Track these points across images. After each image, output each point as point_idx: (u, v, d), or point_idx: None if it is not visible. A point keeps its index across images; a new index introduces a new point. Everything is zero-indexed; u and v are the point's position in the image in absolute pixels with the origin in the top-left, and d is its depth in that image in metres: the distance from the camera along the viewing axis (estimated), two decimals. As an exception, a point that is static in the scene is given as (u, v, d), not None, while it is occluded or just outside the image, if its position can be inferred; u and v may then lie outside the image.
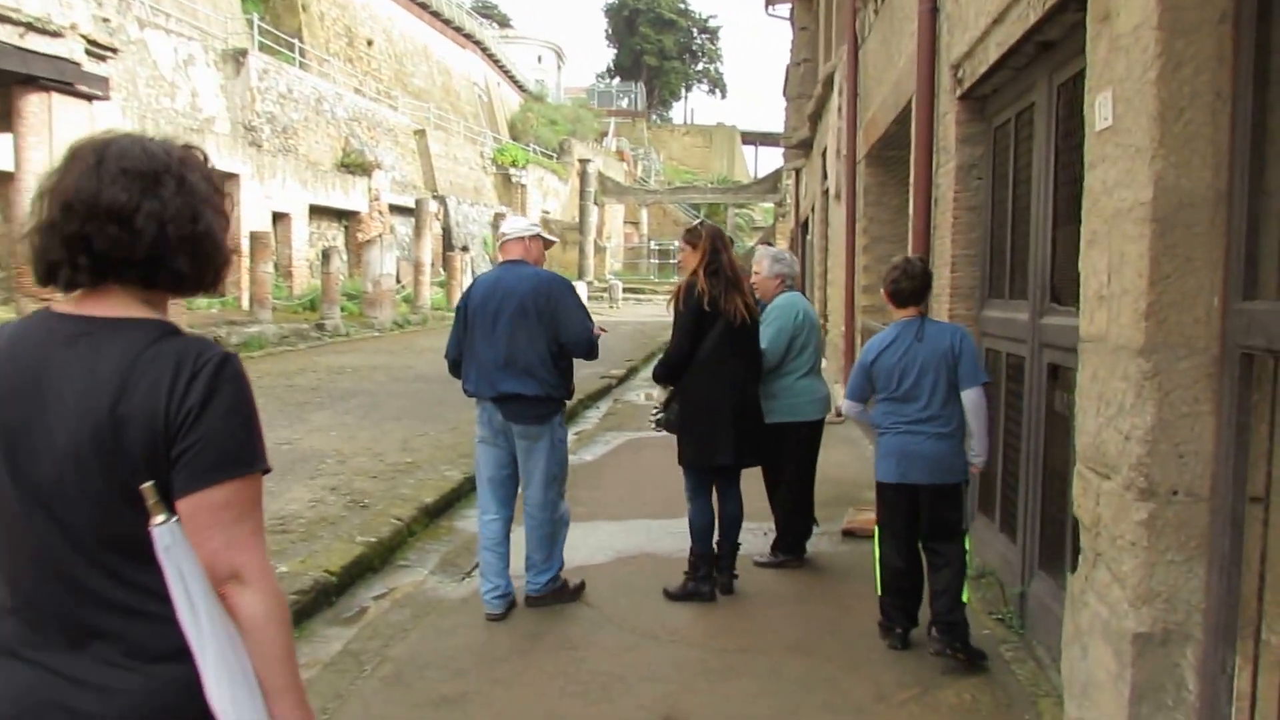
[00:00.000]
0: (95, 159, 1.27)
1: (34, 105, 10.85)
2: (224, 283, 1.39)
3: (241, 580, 1.24)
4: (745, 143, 60.62)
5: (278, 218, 19.86)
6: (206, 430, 1.22)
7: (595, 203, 38.14)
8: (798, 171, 19.15)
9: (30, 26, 10.63)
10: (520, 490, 4.13)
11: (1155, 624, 2.48)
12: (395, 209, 22.75)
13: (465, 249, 24.48)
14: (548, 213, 35.92)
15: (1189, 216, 2.48)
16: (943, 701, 3.21)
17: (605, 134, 48.07)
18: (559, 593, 4.19)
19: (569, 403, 4.27)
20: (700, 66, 64.94)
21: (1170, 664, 2.49)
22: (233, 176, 17.97)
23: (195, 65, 19.13)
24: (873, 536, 4.90)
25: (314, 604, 4.19)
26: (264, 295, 15.78)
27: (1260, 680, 2.25)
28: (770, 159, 59.70)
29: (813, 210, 15.30)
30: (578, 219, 34.97)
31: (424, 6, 33.60)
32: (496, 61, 41.62)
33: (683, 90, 65.18)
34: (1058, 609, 3.49)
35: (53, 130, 10.83)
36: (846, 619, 4.00)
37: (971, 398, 3.61)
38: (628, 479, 6.67)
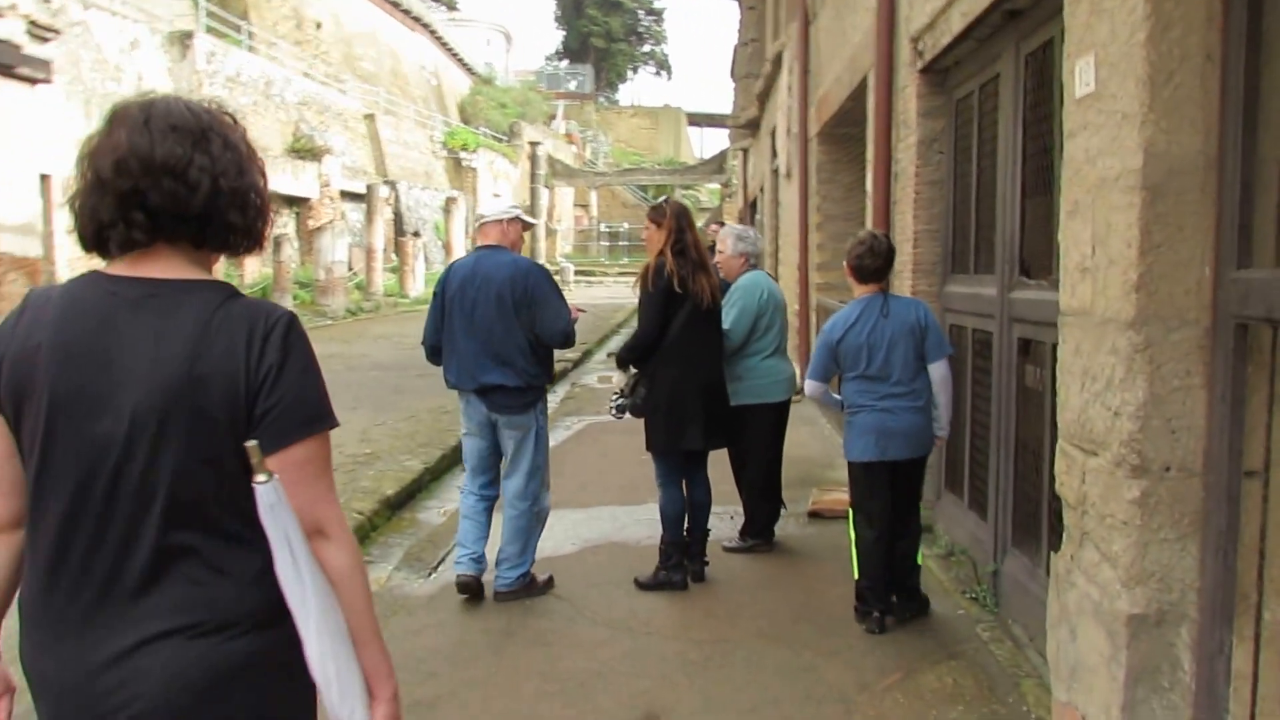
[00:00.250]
0: (143, 117, 1.26)
1: (-28, 88, 10.23)
2: (267, 241, 1.41)
3: (325, 534, 1.27)
4: (691, 124, 60.44)
5: (224, 204, 19.14)
6: (287, 389, 1.25)
7: (545, 186, 37.74)
8: (745, 151, 19.09)
9: (-33, 7, 10.03)
10: (502, 480, 4.05)
11: (1149, 605, 2.42)
12: (346, 195, 22.18)
13: (417, 234, 24.00)
14: (498, 196, 35.41)
15: (1179, 184, 2.40)
16: (925, 686, 3.14)
17: (554, 117, 47.47)
18: (528, 587, 4.07)
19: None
20: (646, 48, 64.46)
21: (1165, 645, 2.43)
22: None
23: (141, 48, 18.41)
24: (840, 517, 4.89)
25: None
26: (210, 285, 15.22)
27: (1261, 658, 2.20)
28: (715, 140, 59.61)
29: (762, 190, 15.25)
30: (528, 202, 34.58)
31: (371, -12, 32.82)
32: (445, 45, 40.78)
33: (629, 72, 64.69)
34: (1034, 587, 3.45)
35: (-7, 114, 10.25)
36: (820, 603, 3.92)
37: (940, 370, 3.65)
38: (590, 465, 6.53)
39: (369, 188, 21.60)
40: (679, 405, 3.94)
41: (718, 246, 4.58)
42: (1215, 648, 2.33)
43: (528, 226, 4.13)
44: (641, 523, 5.08)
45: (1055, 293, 3.33)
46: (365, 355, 12.76)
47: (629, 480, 5.90)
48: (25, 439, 1.25)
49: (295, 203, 21.32)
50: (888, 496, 3.61)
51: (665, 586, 4.07)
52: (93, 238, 1.29)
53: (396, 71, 33.98)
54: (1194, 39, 2.34)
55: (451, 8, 48.90)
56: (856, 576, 3.68)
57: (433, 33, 38.95)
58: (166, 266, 1.27)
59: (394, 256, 23.42)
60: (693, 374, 3.96)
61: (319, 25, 27.88)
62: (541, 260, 34.00)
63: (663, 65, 64.95)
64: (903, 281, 4.81)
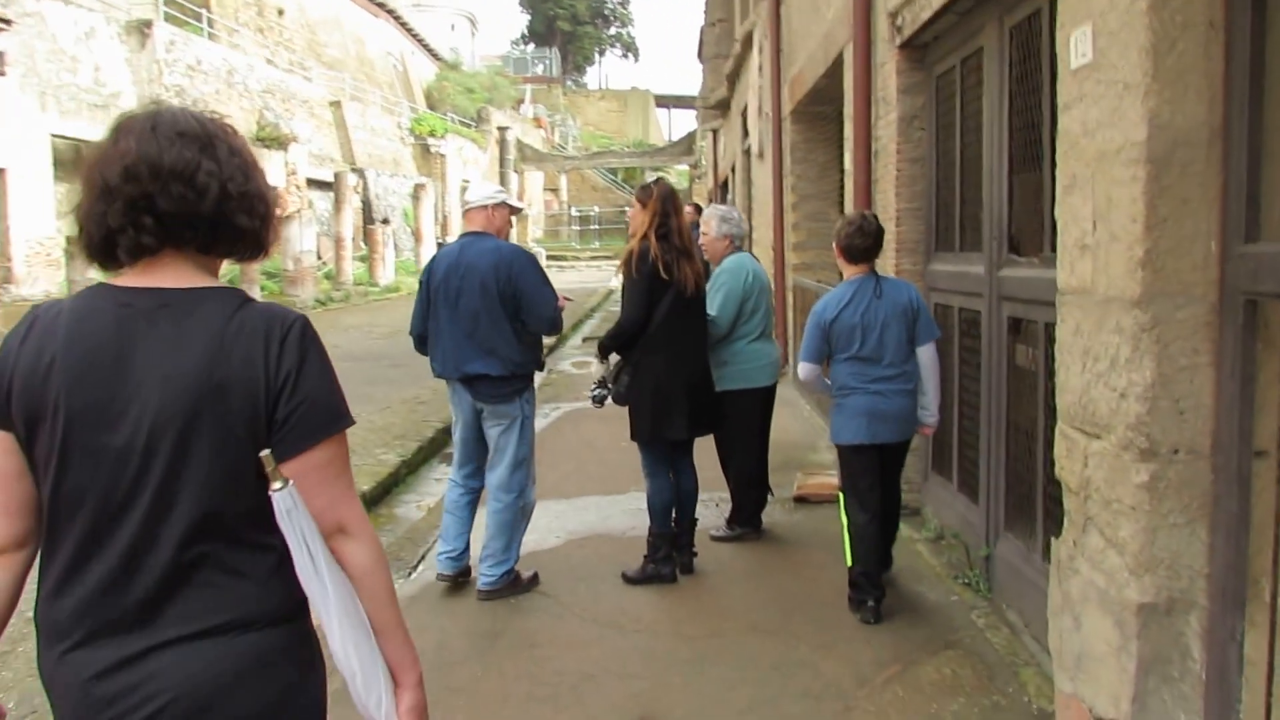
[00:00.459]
0: (150, 125, 1.28)
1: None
2: (273, 247, 1.41)
3: (347, 533, 1.30)
4: (659, 106, 60.15)
5: (188, 196, 18.73)
6: (306, 392, 1.27)
7: (515, 170, 37.38)
8: (715, 132, 18.93)
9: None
10: (486, 472, 3.97)
11: (1159, 593, 2.35)
12: (313, 183, 21.78)
13: (386, 222, 23.62)
14: (467, 182, 35.02)
15: (1184, 155, 2.31)
16: (923, 678, 3.06)
17: (522, 101, 46.98)
18: (513, 585, 3.95)
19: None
20: (613, 31, 63.93)
21: (1175, 634, 2.36)
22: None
23: (98, 38, 17.88)
24: (826, 501, 4.82)
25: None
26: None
27: (1276, 645, 2.13)
28: (684, 122, 59.41)
29: (733, 171, 15.12)
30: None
31: (331, -28, 32.11)
32: (410, 30, 40.15)
33: (596, 55, 64.18)
34: (1029, 571, 3.38)
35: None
36: (812, 592, 3.83)
37: (929, 353, 3.62)
38: (571, 454, 6.41)
39: (337, 176, 21.22)
40: (664, 393, 3.83)
41: (701, 229, 4.44)
42: (1227, 635, 2.26)
43: (515, 211, 4.04)
44: (626, 513, 4.97)
45: (1047, 270, 3.25)
46: (336, 346, 12.52)
47: (611, 469, 5.79)
48: (40, 456, 1.26)
49: (260, 192, 20.95)
50: (878, 478, 3.57)
51: (654, 580, 3.97)
52: (100, 245, 1.29)
53: (362, 58, 33.41)
54: (1196, 5, 2.25)
55: (415, -8, 48.15)
56: (850, 563, 3.60)
57: (397, 18, 38.34)
58: (176, 275, 1.28)
59: (363, 245, 23.08)
60: (677, 361, 3.85)
61: (281, 12, 27.29)
62: (512, 246, 33.63)
63: (629, 48, 64.51)
64: (886, 261, 4.70)
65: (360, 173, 24.75)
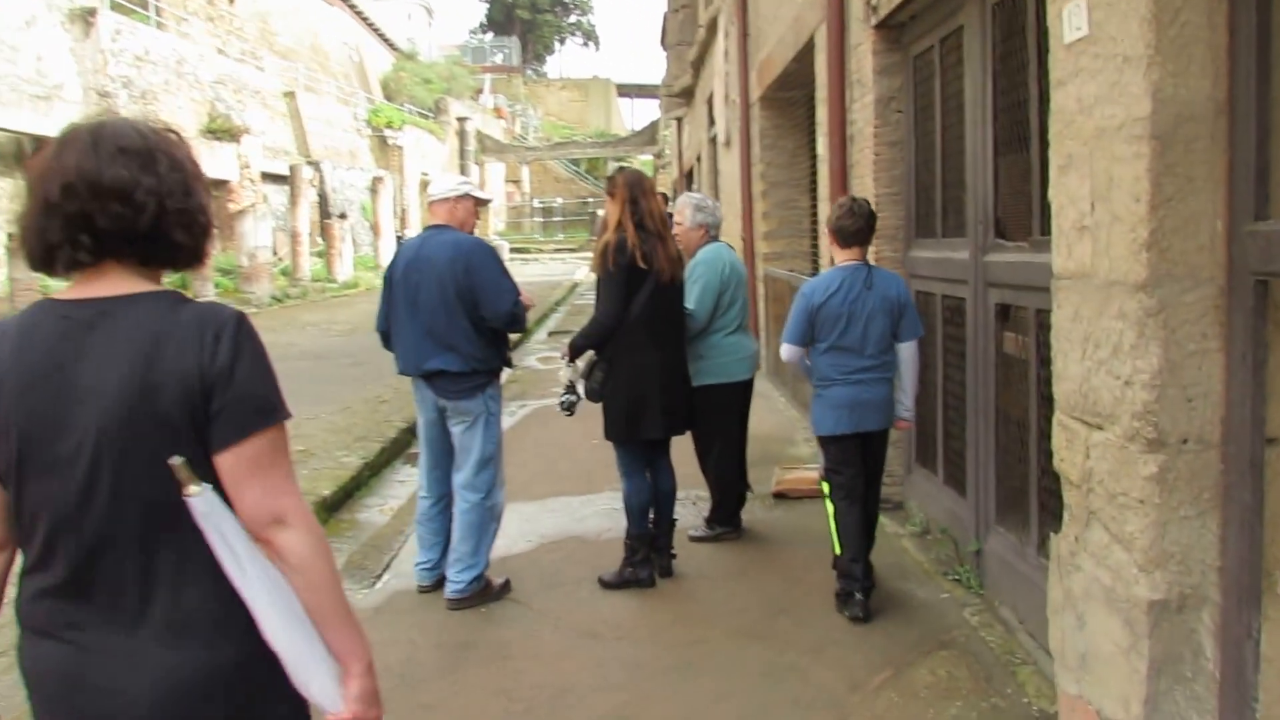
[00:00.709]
0: (91, 140, 1.29)
1: None
2: (211, 257, 1.44)
3: (284, 523, 1.30)
4: (621, 95, 59.80)
5: (134, 191, 18.11)
6: (239, 385, 1.28)
7: (475, 162, 36.90)
8: (679, 121, 18.78)
9: None
10: (453, 473, 3.83)
11: (1170, 589, 2.24)
12: (267, 176, 21.16)
13: (343, 216, 23.13)
14: (427, 175, 34.54)
15: (1189, 131, 2.20)
16: (918, 682, 2.94)
17: (481, 91, 46.34)
18: (483, 592, 3.78)
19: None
20: (573, 19, 63.36)
21: (1187, 631, 2.25)
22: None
23: (39, 26, 17.18)
24: (806, 497, 4.70)
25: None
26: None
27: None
28: (646, 110, 59.15)
29: (699, 159, 14.98)
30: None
31: (279, -41, 31.27)
32: (365, 19, 39.40)
33: (556, 44, 63.57)
34: (1023, 567, 3.28)
35: None
36: (797, 593, 3.70)
37: (911, 350, 3.58)
38: (540, 453, 6.22)
39: (292, 168, 20.71)
40: (640, 390, 3.67)
41: (675, 218, 4.27)
42: (1242, 632, 2.16)
43: (482, 203, 3.91)
44: (600, 513, 4.81)
45: (1038, 254, 3.14)
46: (294, 344, 12.19)
47: (583, 467, 5.61)
48: (1, 468, 1.30)
49: (214, 185, 20.35)
50: (861, 466, 3.54)
51: (632, 584, 3.81)
52: (41, 257, 1.32)
53: (316, 48, 32.71)
54: (1200, -28, 2.13)
55: (369, -20, 47.20)
56: (838, 552, 3.51)
57: (352, 7, 37.59)
58: (115, 284, 1.31)
59: (320, 240, 22.60)
60: (654, 356, 3.69)
61: (232, 0, 26.59)
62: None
63: (590, 36, 63.98)
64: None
65: (316, 165, 24.18)
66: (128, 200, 1.27)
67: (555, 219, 43.21)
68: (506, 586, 3.87)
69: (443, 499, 3.90)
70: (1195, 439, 2.23)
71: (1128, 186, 2.27)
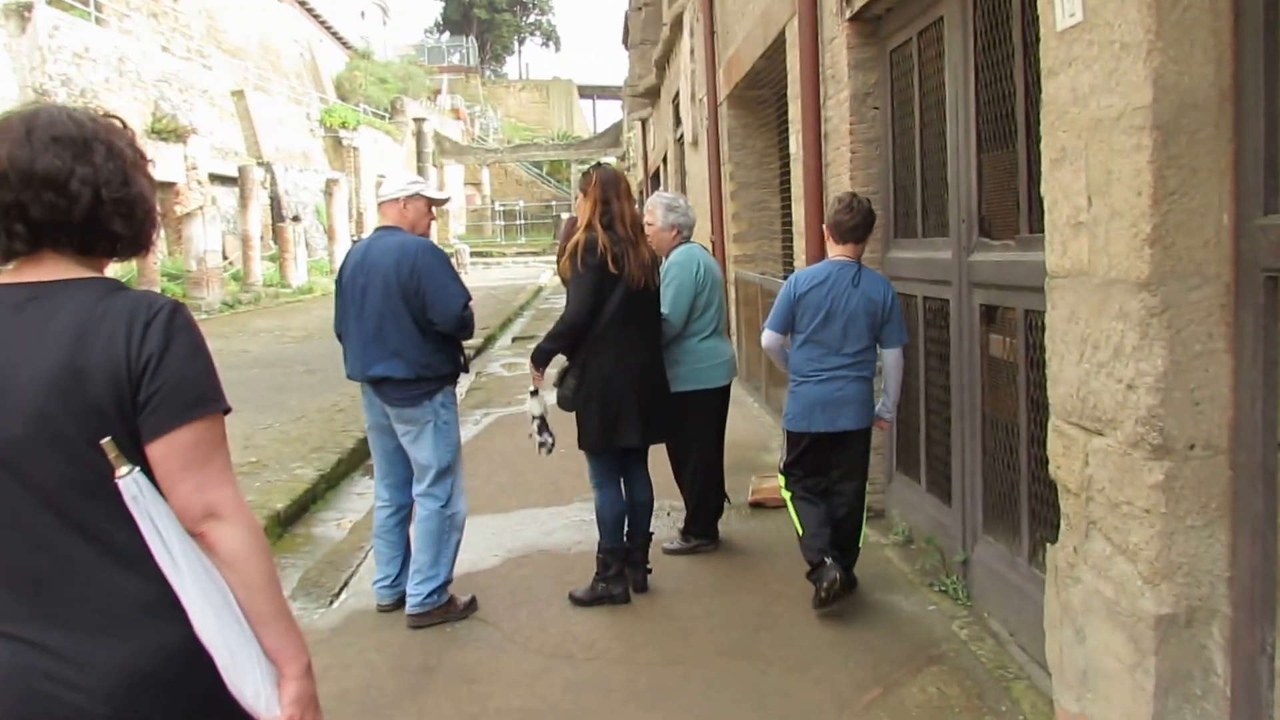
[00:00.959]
0: (25, 129, 1.28)
1: None
2: (155, 245, 1.42)
3: (218, 516, 1.28)
4: (583, 96, 59.55)
5: (76, 193, 17.50)
6: (169, 374, 1.25)
7: (433, 164, 36.44)
8: (644, 122, 18.66)
9: None
10: (413, 485, 3.68)
11: (1178, 602, 2.13)
12: (216, 178, 20.62)
13: (297, 219, 22.60)
14: (383, 176, 34.04)
15: (1193, 121, 2.09)
16: (909, 700, 2.81)
17: (438, 92, 45.83)
18: (446, 609, 3.59)
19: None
20: (532, 19, 62.94)
21: (1196, 646, 2.14)
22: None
23: (-29, 23, 16.58)
24: (783, 505, 4.54)
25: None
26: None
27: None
28: (609, 112, 58.95)
29: (665, 161, 14.86)
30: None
31: (228, -44, 30.54)
32: (317, 17, 38.72)
33: (515, 44, 63.10)
34: (1014, 577, 3.17)
35: None
36: (779, 607, 3.56)
37: (895, 356, 3.55)
38: (506, 462, 6.02)
39: (241, 170, 20.15)
40: (614, 398, 3.50)
41: (646, 219, 4.11)
42: (1255, 647, 2.05)
43: (438, 203, 3.76)
44: (570, 525, 4.63)
45: (1026, 253, 3.04)
46: (245, 351, 11.83)
47: (551, 477, 5.42)
48: None
49: (159, 187, 19.78)
50: (825, 464, 3.53)
51: (605, 600, 3.64)
52: None
53: (266, 45, 32.04)
54: (1202, -48, 2.02)
55: (322, -21, 46.44)
56: (800, 531, 3.52)
57: (303, 4, 36.91)
58: (52, 270, 1.29)
59: (273, 244, 22.07)
60: (629, 362, 3.52)
61: (176, -3, 25.92)
62: (434, 242, 32.69)
63: (550, 36, 63.56)
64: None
65: (267, 167, 23.64)
66: (61, 190, 1.25)
67: (518, 222, 42.84)
68: (472, 604, 3.68)
69: (401, 510, 3.74)
70: (1203, 444, 2.12)
71: (1128, 180, 2.16)
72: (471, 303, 3.54)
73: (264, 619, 1.30)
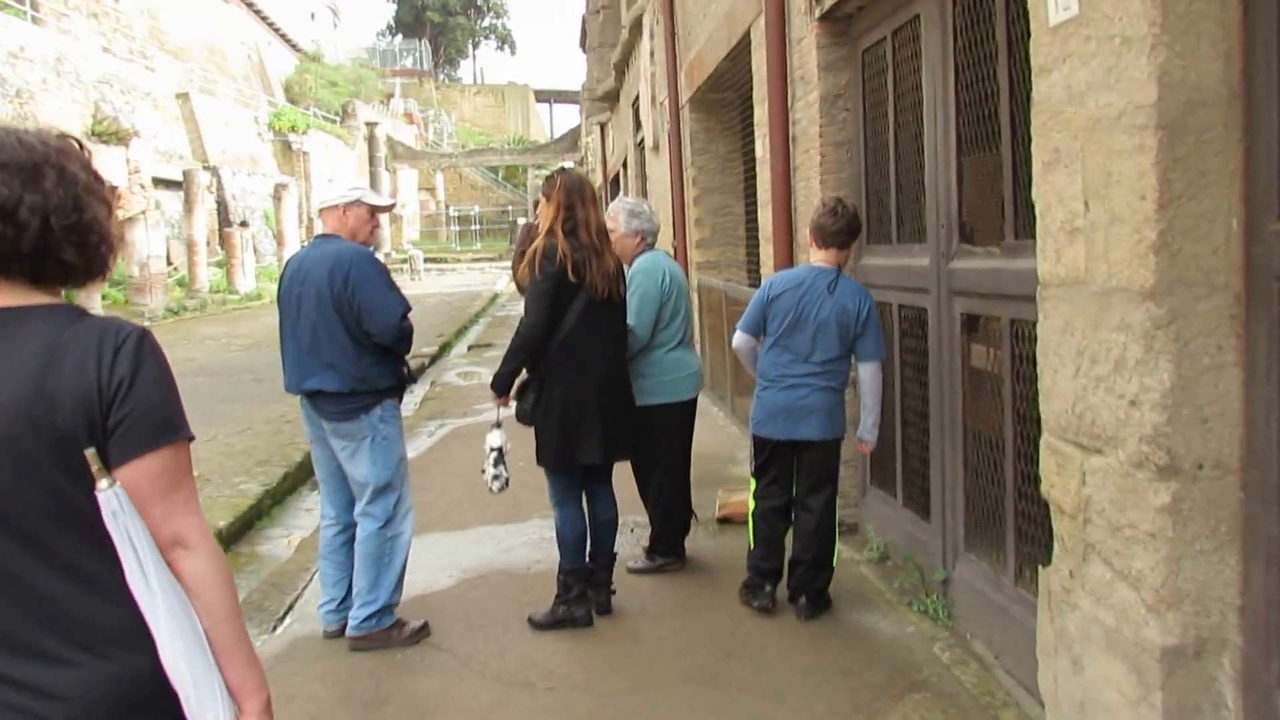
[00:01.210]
0: None
1: None
2: (112, 270, 1.38)
3: (185, 545, 1.27)
4: (540, 101, 59.24)
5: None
6: (137, 401, 1.25)
7: (386, 169, 35.85)
8: (602, 126, 18.47)
9: None
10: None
11: (1186, 632, 2.00)
12: (160, 182, 19.99)
13: (245, 224, 22.03)
14: (332, 181, 33.41)
15: (1200, 120, 1.97)
16: (893, 729, 2.64)
17: (391, 96, 45.17)
18: (389, 633, 3.38)
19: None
20: (487, 22, 62.37)
21: (1206, 679, 2.02)
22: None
23: (-100, 21, 15.85)
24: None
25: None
26: None
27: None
28: (566, 116, 58.76)
29: (625, 166, 14.69)
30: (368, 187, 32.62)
31: (173, -47, 29.68)
32: (265, 18, 37.90)
33: (470, 48, 62.50)
34: (998, 597, 3.04)
35: None
36: (751, 630, 3.39)
37: (872, 371, 3.43)
38: (461, 476, 5.77)
39: (186, 174, 19.59)
40: (574, 413, 3.30)
41: (608, 225, 3.92)
42: (1271, 680, 1.93)
43: (383, 209, 3.60)
44: (529, 543, 4.41)
45: (1011, 260, 2.91)
46: (190, 360, 11.39)
47: (508, 492, 5.16)
48: None
49: (100, 191, 19.10)
50: (788, 471, 3.48)
51: (566, 624, 3.44)
52: None
53: (212, 47, 31.26)
54: (1210, -58, 1.90)
55: (271, -21, 45.53)
56: (751, 545, 3.53)
57: (250, 5, 36.11)
58: (6, 298, 1.26)
59: (220, 250, 21.46)
60: (590, 376, 3.33)
61: (117, -4, 25.15)
62: (387, 249, 32.19)
63: (505, 40, 63.04)
64: (808, 256, 4.33)
65: (214, 171, 23.02)
66: (10, 219, 1.22)
67: (473, 228, 42.37)
68: (424, 629, 3.46)
69: (349, 529, 3.53)
70: (1212, 464, 2.00)
71: (1130, 183, 2.04)
72: (411, 314, 3.37)
73: (228, 651, 1.29)
